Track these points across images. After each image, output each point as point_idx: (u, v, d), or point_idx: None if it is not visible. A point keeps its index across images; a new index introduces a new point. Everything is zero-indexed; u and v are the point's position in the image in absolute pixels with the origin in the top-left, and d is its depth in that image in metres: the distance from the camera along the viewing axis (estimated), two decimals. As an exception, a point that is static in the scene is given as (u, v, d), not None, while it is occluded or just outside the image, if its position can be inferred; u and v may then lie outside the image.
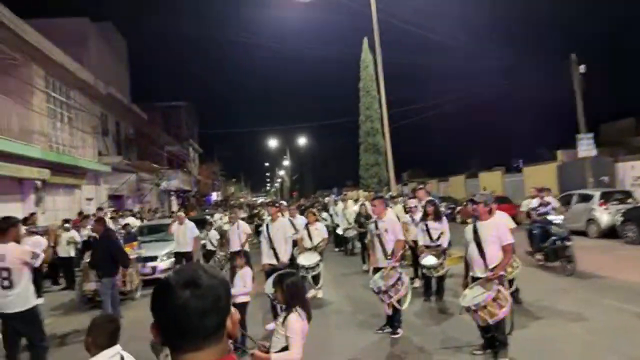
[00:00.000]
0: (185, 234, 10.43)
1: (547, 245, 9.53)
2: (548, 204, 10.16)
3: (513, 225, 7.89)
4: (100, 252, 7.85)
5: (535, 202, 10.37)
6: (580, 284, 8.24)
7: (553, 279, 8.81)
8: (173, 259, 10.82)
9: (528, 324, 6.12)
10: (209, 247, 11.72)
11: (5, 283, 4.91)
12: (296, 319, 3.23)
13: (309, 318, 3.36)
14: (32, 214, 12.12)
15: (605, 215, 14.13)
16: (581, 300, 7.25)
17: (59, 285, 11.58)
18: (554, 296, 7.61)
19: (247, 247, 9.33)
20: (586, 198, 15.23)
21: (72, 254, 11.34)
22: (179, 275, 1.14)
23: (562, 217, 9.99)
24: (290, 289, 3.34)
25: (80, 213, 14.70)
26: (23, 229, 10.57)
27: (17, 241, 5.68)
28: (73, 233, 11.62)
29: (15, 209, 13.29)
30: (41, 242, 10.20)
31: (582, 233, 14.36)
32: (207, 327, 1.11)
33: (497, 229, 5.41)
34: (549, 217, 9.84)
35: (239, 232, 9.25)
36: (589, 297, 7.43)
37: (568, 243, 9.15)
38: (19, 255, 5.03)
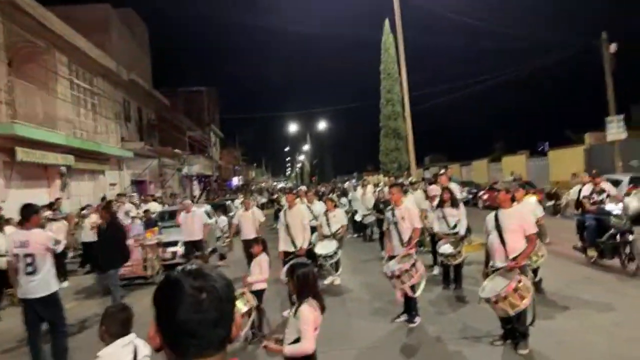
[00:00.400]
0: (193, 222, 10.17)
1: (603, 240, 8.19)
2: (603, 191, 8.72)
3: (540, 213, 7.69)
4: (106, 242, 7.52)
5: (587, 189, 8.88)
6: (604, 273, 7.98)
7: (577, 268, 8.56)
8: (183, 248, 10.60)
9: (550, 314, 5.97)
10: (217, 234, 11.66)
11: (29, 269, 5.03)
12: (308, 310, 3.20)
13: (322, 309, 3.32)
14: (57, 199, 12.43)
15: (635, 201, 13.67)
16: (606, 290, 7.04)
17: (85, 269, 11.89)
18: (578, 286, 7.41)
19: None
20: (615, 183, 14.71)
21: (96, 238, 11.52)
22: (192, 276, 1.07)
23: (621, 205, 8.54)
24: (301, 279, 3.30)
25: (103, 198, 14.98)
26: (49, 214, 10.92)
27: (41, 227, 5.83)
28: (96, 217, 11.83)
29: (41, 195, 13.66)
30: (64, 228, 10.48)
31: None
32: (220, 335, 1.06)
33: (521, 217, 5.26)
34: (606, 207, 8.45)
35: (253, 219, 9.22)
36: (614, 286, 7.20)
37: (630, 237, 7.79)
38: (42, 241, 5.14)
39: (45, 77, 14.09)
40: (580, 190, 9.08)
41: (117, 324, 2.72)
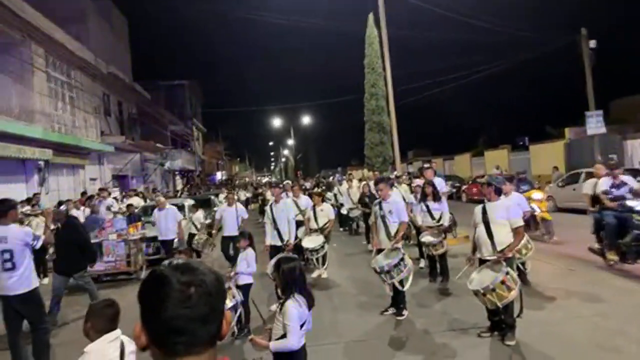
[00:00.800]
0: (167, 220, 9.59)
1: (627, 241, 7.26)
2: (624, 184, 7.74)
3: (527, 207, 7.74)
4: (64, 245, 7.02)
5: (605, 183, 7.84)
6: (589, 265, 8.11)
7: (562, 261, 8.69)
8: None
9: (537, 306, 6.04)
10: (192, 230, 11.40)
11: (8, 265, 4.87)
12: (293, 306, 3.16)
13: (310, 305, 3.27)
14: (36, 194, 12.11)
15: (613, 194, 13.95)
16: (592, 281, 7.15)
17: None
18: (563, 278, 7.52)
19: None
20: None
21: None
22: (180, 271, 1.02)
23: None
24: (287, 274, 3.26)
25: (83, 193, 14.68)
26: (27, 209, 10.63)
27: (19, 222, 5.65)
28: (76, 213, 11.59)
29: (19, 190, 13.31)
30: (43, 223, 10.20)
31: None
32: (210, 331, 1.01)
33: (507, 210, 5.29)
34: (628, 203, 7.50)
35: (237, 215, 9.04)
36: (600, 278, 7.32)
37: None
38: (20, 236, 4.99)
39: (21, 70, 13.68)
40: (596, 184, 8.06)
41: (103, 320, 2.65)
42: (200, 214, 11.98)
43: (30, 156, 12.95)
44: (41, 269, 9.97)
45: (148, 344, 1.02)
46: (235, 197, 10.10)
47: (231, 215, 9.02)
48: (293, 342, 3.11)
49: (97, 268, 9.46)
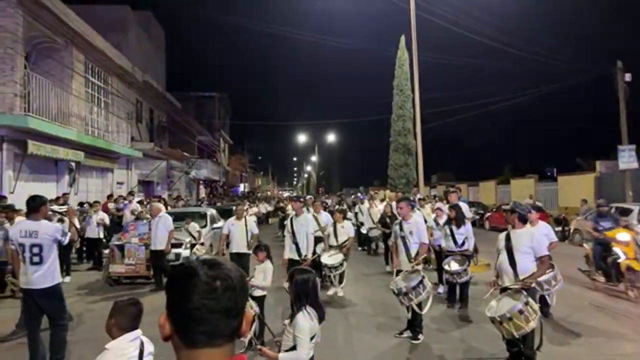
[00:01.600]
0: (157, 229, 9.30)
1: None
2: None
3: (554, 238, 7.52)
4: None
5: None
6: (616, 301, 7.82)
7: (584, 294, 8.40)
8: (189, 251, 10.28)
9: (559, 340, 5.83)
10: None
11: (36, 259, 4.99)
12: (304, 319, 3.15)
13: (320, 318, 3.26)
14: (65, 194, 12.46)
15: (644, 231, 13.48)
16: (618, 319, 6.89)
17: (84, 264, 11.89)
18: (586, 312, 7.26)
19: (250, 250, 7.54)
20: (624, 212, 14.56)
21: (101, 235, 11.62)
22: (207, 264, 1.06)
23: None
24: (300, 285, 3.25)
25: (110, 196, 15.01)
26: (56, 208, 10.93)
27: (48, 219, 5.81)
28: (102, 215, 11.88)
29: (50, 189, 13.72)
30: (68, 222, 10.47)
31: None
32: (231, 325, 1.04)
33: (532, 239, 5.16)
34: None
35: (247, 230, 8.01)
36: (627, 316, 7.04)
37: None
38: (51, 232, 5.12)
39: (61, 74, 14.25)
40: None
41: (127, 318, 2.70)
42: (194, 225, 11.58)
43: (63, 157, 13.37)
44: (64, 267, 10.21)
45: (171, 333, 1.06)
46: (255, 209, 9.89)
47: (240, 230, 7.99)
48: (302, 354, 3.10)
49: (118, 270, 9.63)
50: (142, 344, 2.66)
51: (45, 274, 5.02)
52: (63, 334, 5.19)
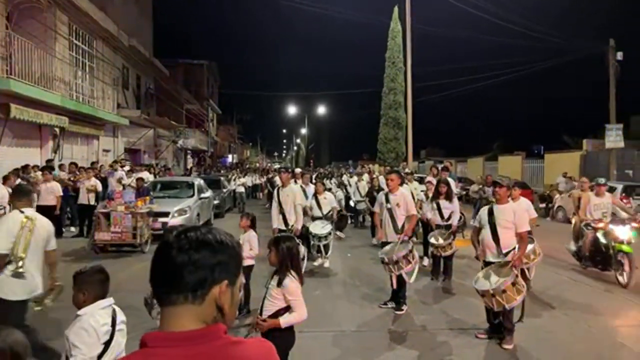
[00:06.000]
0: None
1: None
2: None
3: (534, 214, 7.64)
4: None
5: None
6: (594, 276, 8.02)
7: (563, 270, 8.61)
8: (186, 216, 10.71)
9: (537, 313, 6.00)
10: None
11: None
12: (292, 282, 3.26)
13: (301, 282, 3.37)
14: (49, 161, 12.26)
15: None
16: (595, 293, 7.09)
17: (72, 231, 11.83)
18: (566, 287, 7.45)
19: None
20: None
21: (93, 202, 11.32)
22: (186, 227, 1.11)
23: None
24: (286, 252, 3.34)
25: (93, 163, 14.80)
26: (39, 175, 10.79)
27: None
28: (94, 181, 11.67)
29: (34, 154, 13.49)
30: (54, 187, 10.35)
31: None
32: (188, 282, 1.01)
33: (514, 214, 5.24)
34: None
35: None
36: (604, 291, 7.24)
37: None
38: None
39: (44, 36, 13.76)
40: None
41: (95, 286, 2.64)
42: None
43: (47, 122, 13.07)
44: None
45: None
46: (242, 179, 9.96)
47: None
48: (303, 313, 3.24)
49: (103, 238, 9.58)
50: (114, 311, 2.65)
51: None
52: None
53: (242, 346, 1.04)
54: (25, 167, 11.35)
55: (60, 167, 12.74)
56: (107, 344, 2.51)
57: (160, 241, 1.10)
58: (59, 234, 9.96)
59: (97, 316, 2.54)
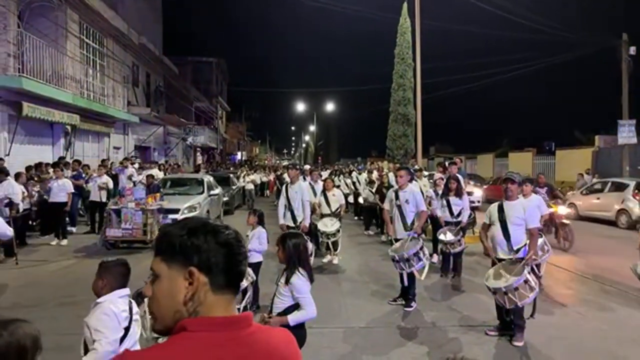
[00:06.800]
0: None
1: None
2: None
3: (546, 210, 7.54)
4: None
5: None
6: (604, 274, 7.93)
7: (579, 267, 8.52)
8: (195, 213, 10.80)
9: (547, 310, 5.95)
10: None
11: None
12: (300, 280, 3.24)
13: (310, 279, 3.35)
14: (61, 158, 12.38)
15: (638, 207, 13.61)
16: (605, 291, 7.01)
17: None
18: (576, 285, 7.39)
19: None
20: (620, 187, 14.64)
21: (104, 199, 11.38)
22: (209, 221, 1.13)
23: None
24: (292, 249, 3.32)
25: (103, 161, 14.93)
26: (51, 171, 10.91)
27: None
28: (105, 178, 11.74)
29: (46, 152, 13.65)
30: (66, 184, 10.45)
31: (611, 223, 14.02)
32: (243, 272, 1.11)
33: (525, 210, 5.19)
34: None
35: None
36: (614, 288, 7.16)
37: None
38: None
39: (55, 34, 13.90)
40: None
41: (116, 276, 2.70)
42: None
43: (58, 120, 13.21)
44: (60, 231, 10.29)
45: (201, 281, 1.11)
46: (252, 176, 10.02)
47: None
48: (312, 310, 3.20)
49: (115, 234, 9.67)
50: (130, 302, 2.69)
51: None
52: None
53: (268, 333, 1.11)
54: (38, 165, 11.49)
55: (65, 165, 12.87)
56: (127, 330, 2.56)
57: (210, 228, 1.08)
58: (63, 233, 10.16)
59: (116, 302, 2.59)
